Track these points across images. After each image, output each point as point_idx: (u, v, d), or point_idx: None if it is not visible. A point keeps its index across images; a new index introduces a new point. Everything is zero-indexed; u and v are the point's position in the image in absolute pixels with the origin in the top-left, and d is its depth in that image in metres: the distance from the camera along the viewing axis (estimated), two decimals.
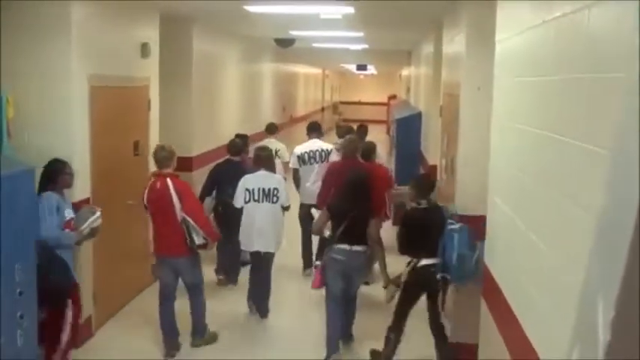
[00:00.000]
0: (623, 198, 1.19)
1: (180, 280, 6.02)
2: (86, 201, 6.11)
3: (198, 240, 5.75)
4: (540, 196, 2.92)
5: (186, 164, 8.62)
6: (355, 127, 10.15)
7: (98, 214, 5.39)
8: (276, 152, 8.87)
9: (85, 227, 5.28)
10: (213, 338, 6.28)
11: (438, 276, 5.24)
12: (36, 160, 5.38)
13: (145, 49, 7.35)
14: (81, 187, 6.04)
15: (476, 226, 4.90)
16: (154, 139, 7.72)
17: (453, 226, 5.17)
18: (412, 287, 5.48)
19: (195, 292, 6.09)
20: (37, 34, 5.77)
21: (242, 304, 7.11)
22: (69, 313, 5.19)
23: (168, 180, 5.73)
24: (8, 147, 5.40)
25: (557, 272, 2.55)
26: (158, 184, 5.75)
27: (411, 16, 8.88)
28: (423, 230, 5.37)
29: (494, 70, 4.21)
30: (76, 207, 5.57)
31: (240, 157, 7.93)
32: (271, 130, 9.88)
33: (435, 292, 5.40)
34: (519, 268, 3.30)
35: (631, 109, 1.23)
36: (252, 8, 7.87)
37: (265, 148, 7.34)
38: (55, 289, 5.01)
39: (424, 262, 5.37)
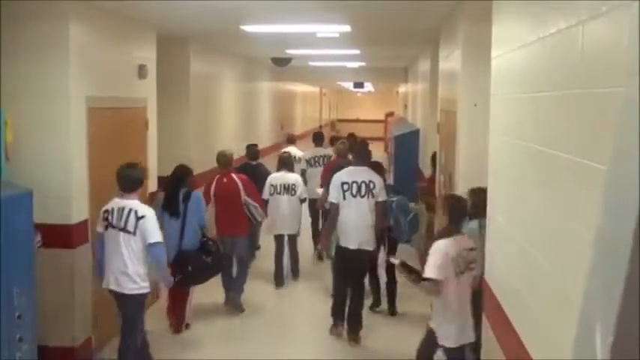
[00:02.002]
0: (621, 215, 1.16)
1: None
2: (85, 222, 6.10)
3: (259, 217, 7.77)
4: (539, 212, 2.92)
5: None
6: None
7: None
8: (296, 158, 10.45)
9: None
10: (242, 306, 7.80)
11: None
12: (33, 182, 5.37)
13: (142, 71, 7.38)
14: (79, 208, 6.03)
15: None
16: (152, 159, 7.73)
17: (392, 198, 6.86)
18: None
19: (243, 264, 7.81)
20: (35, 56, 5.78)
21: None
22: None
23: (234, 175, 7.60)
24: (6, 170, 5.39)
25: (559, 289, 2.54)
26: (225, 179, 7.53)
27: (407, 34, 8.93)
28: None
29: (490, 87, 4.22)
30: None
31: (256, 162, 9.47)
32: (291, 140, 11.92)
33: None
34: (520, 284, 3.29)
35: (628, 123, 1.22)
36: (249, 28, 7.91)
37: (287, 154, 9.21)
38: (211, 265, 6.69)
39: None
